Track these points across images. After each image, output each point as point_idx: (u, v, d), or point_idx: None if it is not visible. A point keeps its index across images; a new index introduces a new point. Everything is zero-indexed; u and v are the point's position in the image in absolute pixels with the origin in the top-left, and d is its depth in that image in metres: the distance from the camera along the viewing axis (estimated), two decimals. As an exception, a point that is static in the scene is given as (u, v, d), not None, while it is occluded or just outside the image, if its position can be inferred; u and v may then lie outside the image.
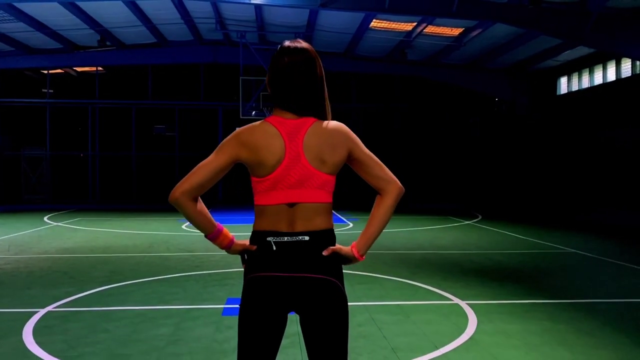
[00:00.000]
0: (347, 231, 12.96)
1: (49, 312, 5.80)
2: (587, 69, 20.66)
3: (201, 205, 2.17)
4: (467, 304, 6.14)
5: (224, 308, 5.93)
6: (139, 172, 24.26)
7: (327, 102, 2.27)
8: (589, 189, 19.47)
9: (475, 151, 24.64)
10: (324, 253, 2.14)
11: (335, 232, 2.22)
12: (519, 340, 4.87)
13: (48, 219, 16.27)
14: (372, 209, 2.27)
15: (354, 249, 2.23)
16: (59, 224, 14.94)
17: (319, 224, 2.16)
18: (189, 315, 5.67)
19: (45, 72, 23.90)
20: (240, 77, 19.48)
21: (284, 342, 2.87)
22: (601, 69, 19.86)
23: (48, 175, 23.78)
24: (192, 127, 24.57)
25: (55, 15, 18.05)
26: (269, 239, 2.15)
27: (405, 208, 19.84)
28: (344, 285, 2.21)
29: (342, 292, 2.17)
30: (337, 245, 2.20)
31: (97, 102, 24.01)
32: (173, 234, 12.60)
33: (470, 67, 22.79)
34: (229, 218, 16.15)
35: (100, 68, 24.04)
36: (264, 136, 2.16)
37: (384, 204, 2.24)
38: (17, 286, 7.11)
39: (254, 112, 19.04)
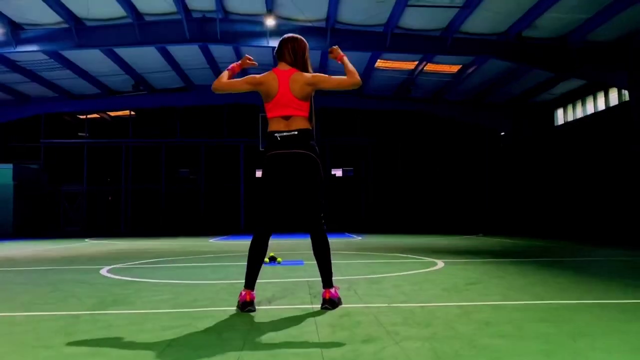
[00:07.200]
0: (357, 242, 14.56)
1: (115, 267, 7.54)
2: (580, 100, 22.35)
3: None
4: (442, 261, 7.76)
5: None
6: (167, 205, 26.24)
7: (308, 64, 4.06)
8: (587, 208, 20.84)
9: (482, 181, 26.24)
10: (334, 47, 4.16)
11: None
12: (469, 272, 6.48)
13: (89, 240, 18.12)
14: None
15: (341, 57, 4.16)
16: (101, 241, 16.79)
17: (301, 125, 3.94)
18: (222, 267, 7.37)
19: (83, 117, 26.35)
20: (260, 114, 21.52)
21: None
22: (592, 99, 21.53)
23: (84, 208, 25.88)
24: (217, 163, 26.59)
25: (96, 62, 20.44)
26: (275, 134, 3.92)
27: (413, 232, 21.35)
28: (318, 156, 3.95)
29: (316, 160, 3.92)
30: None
31: (130, 141, 26.29)
32: (203, 243, 14.36)
33: (471, 103, 24.60)
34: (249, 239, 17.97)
35: (132, 112, 26.43)
36: (270, 79, 3.98)
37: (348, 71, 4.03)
38: (84, 261, 8.88)
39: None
